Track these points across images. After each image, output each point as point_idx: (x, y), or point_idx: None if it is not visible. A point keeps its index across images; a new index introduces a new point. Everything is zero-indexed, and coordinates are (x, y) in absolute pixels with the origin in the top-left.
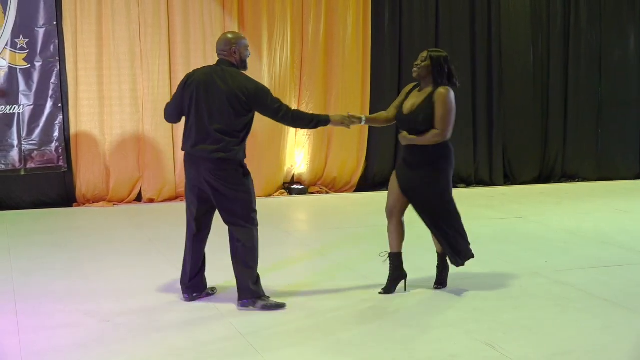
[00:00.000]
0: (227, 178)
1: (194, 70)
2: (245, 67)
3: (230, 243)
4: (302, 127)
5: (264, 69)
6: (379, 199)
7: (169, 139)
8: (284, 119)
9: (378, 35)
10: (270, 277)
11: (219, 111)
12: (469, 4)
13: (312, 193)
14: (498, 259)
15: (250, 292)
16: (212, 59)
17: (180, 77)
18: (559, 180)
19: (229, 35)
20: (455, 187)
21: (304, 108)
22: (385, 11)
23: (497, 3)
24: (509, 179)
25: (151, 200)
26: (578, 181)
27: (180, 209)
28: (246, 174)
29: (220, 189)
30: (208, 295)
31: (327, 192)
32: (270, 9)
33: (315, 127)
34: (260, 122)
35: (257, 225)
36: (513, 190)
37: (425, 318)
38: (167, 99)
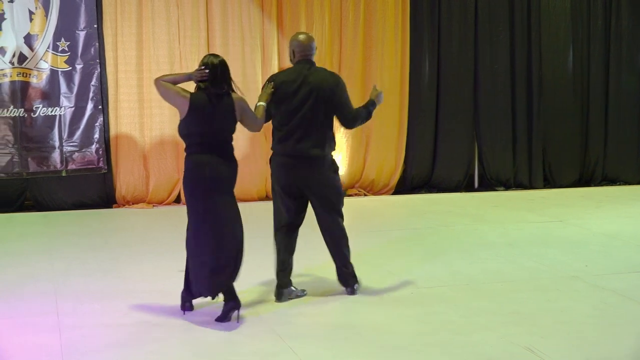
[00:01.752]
0: None
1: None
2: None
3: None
4: None
5: None
6: (418, 201)
7: None
8: None
9: (417, 37)
10: (307, 279)
11: None
12: (508, 4)
13: (350, 195)
14: (537, 262)
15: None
16: (250, 61)
17: None
18: (600, 184)
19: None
20: (494, 190)
21: None
22: (423, 13)
23: (537, 4)
24: (549, 182)
25: None
26: (619, 184)
27: None
28: None
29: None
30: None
31: (365, 195)
32: (308, 12)
33: None
34: None
35: None
36: (553, 194)
37: (462, 321)
38: None
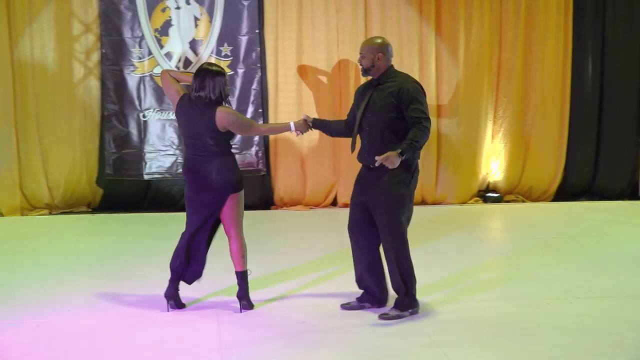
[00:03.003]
0: None
1: None
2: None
3: None
4: None
5: (460, 76)
6: (578, 209)
7: None
8: None
9: (579, 39)
10: (459, 284)
11: None
12: None
13: (508, 201)
14: None
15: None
16: (409, 65)
17: None
18: None
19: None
20: None
21: (500, 114)
22: (587, 14)
23: None
24: None
25: (346, 205)
26: None
27: None
28: None
29: None
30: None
31: (523, 201)
32: (467, 15)
33: None
34: (456, 130)
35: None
36: None
37: (629, 335)
38: None
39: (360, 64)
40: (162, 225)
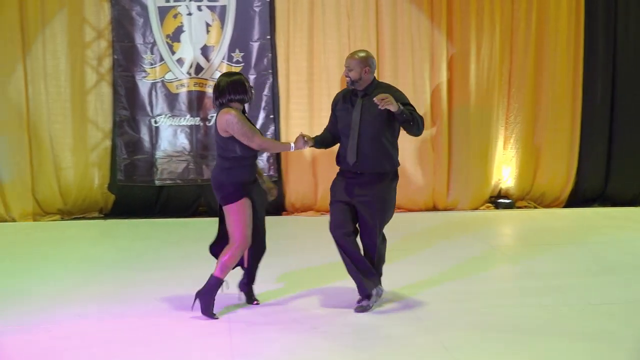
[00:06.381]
0: None
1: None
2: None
3: None
4: None
5: (472, 82)
6: (590, 215)
7: None
8: None
9: (591, 46)
10: (472, 289)
11: None
12: None
13: (520, 207)
14: None
15: None
16: (419, 72)
17: None
18: None
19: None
20: None
21: (512, 121)
22: (599, 22)
23: None
24: None
25: None
26: None
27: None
28: None
29: None
30: None
31: (535, 207)
32: (478, 21)
33: None
34: (468, 136)
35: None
36: None
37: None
38: None
39: (348, 77)
40: (173, 231)
